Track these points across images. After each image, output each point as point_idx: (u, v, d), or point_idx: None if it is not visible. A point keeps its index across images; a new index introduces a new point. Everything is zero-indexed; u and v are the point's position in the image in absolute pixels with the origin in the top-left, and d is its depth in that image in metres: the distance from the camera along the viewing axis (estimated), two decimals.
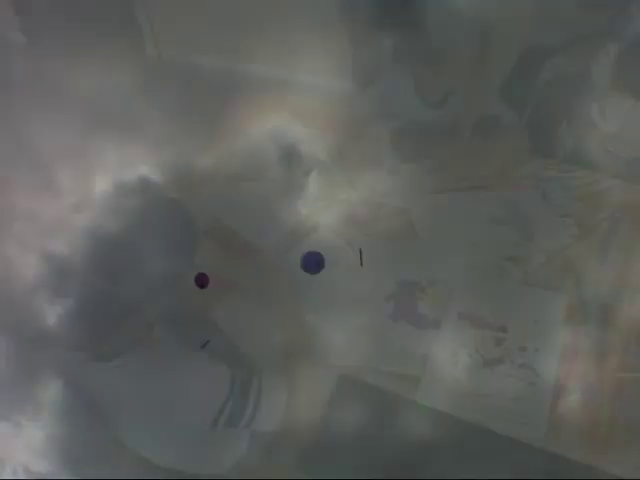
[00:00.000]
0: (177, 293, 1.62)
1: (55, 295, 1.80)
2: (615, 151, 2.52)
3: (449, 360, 1.73)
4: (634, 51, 2.38)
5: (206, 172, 2.25)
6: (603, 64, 2.65)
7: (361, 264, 1.85)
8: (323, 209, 2.18)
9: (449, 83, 2.39)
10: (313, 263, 1.83)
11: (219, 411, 1.43)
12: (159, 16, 2.17)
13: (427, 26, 2.25)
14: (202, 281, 1.78)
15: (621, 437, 1.66)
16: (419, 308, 1.95)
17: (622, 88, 2.53)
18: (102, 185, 1.96)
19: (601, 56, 2.54)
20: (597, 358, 1.89)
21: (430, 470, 2.28)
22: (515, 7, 2.01)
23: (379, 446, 2.32)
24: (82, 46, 2.05)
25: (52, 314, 1.81)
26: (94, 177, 1.97)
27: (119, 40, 2.19)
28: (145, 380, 1.57)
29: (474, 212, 2.13)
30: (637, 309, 2.00)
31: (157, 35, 2.27)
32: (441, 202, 2.16)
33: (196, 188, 2.19)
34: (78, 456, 1.86)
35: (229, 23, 3.59)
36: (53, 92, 2.03)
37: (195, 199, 2.17)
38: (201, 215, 2.13)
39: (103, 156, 2.01)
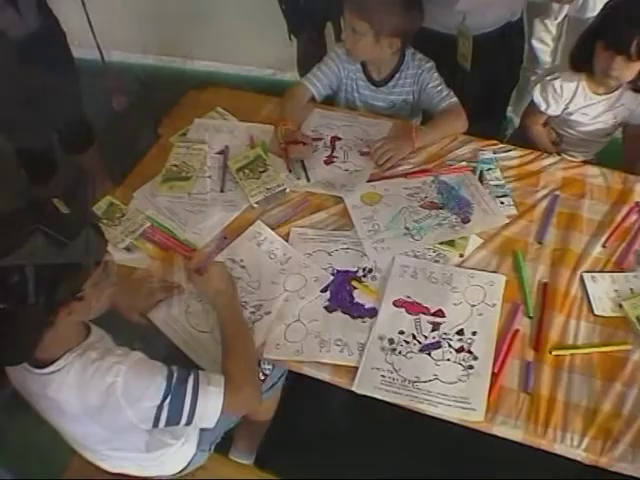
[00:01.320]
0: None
1: None
2: (556, 129, 2.52)
3: (386, 347, 1.68)
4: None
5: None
6: None
7: None
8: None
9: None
10: None
11: (158, 409, 1.40)
12: None
13: None
14: None
15: (559, 416, 1.63)
16: (355, 297, 1.90)
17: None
18: None
19: None
20: (535, 338, 1.86)
21: (371, 461, 2.27)
22: None
23: (321, 437, 2.27)
24: None
25: None
26: None
27: None
28: None
29: (410, 198, 2.11)
30: (575, 287, 1.97)
31: None
32: (377, 189, 2.14)
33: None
34: None
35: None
36: None
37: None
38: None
39: None
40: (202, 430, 1.79)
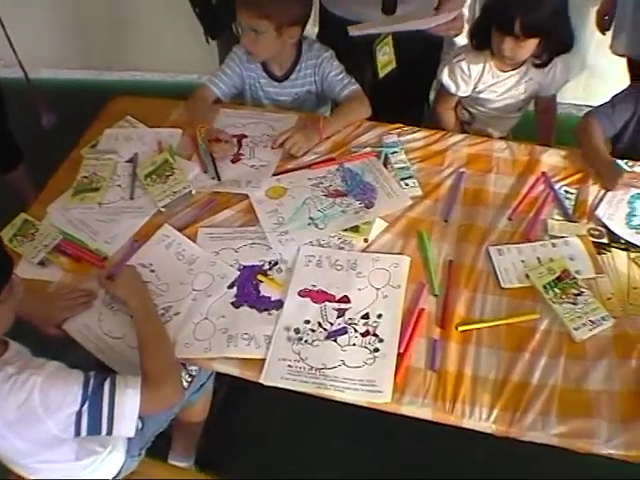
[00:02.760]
0: None
1: None
2: (467, 108, 2.52)
3: (292, 338, 1.68)
4: None
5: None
6: None
7: None
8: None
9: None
10: None
11: (77, 416, 1.39)
12: None
13: None
14: None
15: (467, 391, 1.62)
16: (261, 291, 1.90)
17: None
18: None
19: None
20: (441, 315, 1.85)
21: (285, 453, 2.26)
22: None
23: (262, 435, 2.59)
24: None
25: None
26: None
27: None
28: None
29: (314, 188, 2.11)
30: (481, 262, 1.97)
31: None
32: (281, 183, 2.13)
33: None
34: None
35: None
36: None
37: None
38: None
39: None
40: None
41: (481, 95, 2.57)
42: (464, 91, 2.55)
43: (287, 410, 2.49)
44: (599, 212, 2.23)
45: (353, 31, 2.32)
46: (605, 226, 2.14)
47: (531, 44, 2.34)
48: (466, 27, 2.54)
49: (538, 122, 2.86)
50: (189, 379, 2.04)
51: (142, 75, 3.92)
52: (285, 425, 2.64)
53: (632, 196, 2.28)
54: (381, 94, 2.70)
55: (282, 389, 1.77)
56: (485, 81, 2.51)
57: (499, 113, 2.66)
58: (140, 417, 1.85)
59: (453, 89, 2.53)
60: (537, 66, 2.45)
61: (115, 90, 2.70)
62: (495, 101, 2.59)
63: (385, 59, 2.40)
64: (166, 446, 2.36)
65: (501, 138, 2.63)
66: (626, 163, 2.33)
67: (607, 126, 2.41)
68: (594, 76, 3.44)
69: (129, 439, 1.90)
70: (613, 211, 2.24)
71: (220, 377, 1.82)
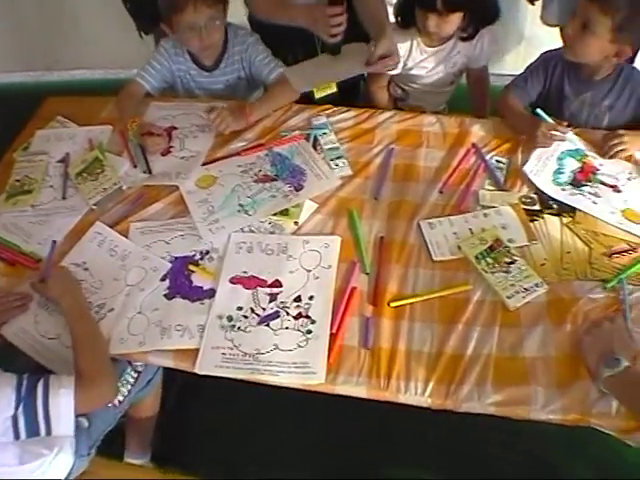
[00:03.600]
0: None
1: None
2: (400, 86, 2.51)
3: (225, 325, 1.66)
4: None
5: None
6: None
7: None
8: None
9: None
10: None
11: (14, 419, 1.38)
12: None
13: None
14: None
15: (402, 367, 1.62)
16: (193, 281, 1.89)
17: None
18: None
19: None
20: (373, 293, 1.84)
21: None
22: None
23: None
24: None
25: None
26: None
27: None
28: None
29: (244, 175, 2.10)
30: (413, 237, 1.96)
31: None
32: (211, 172, 2.12)
33: None
34: None
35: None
36: None
37: None
38: None
39: None
40: (77, 436, 1.75)
41: (412, 72, 2.57)
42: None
43: (242, 401, 2.49)
44: (527, 168, 2.26)
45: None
46: (537, 192, 2.11)
47: (455, 18, 2.34)
48: None
49: (471, 94, 2.87)
50: (135, 375, 2.03)
51: (82, 74, 3.84)
52: (240, 417, 2.68)
53: (562, 152, 2.27)
54: None
55: (236, 380, 1.77)
56: (414, 58, 2.51)
57: (431, 88, 2.66)
58: (86, 416, 1.85)
59: None
60: (464, 39, 2.45)
61: (55, 91, 2.67)
62: (426, 77, 2.59)
63: None
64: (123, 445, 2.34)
65: (436, 112, 2.59)
66: (545, 112, 2.29)
67: (523, 97, 2.43)
68: (532, 45, 3.44)
69: (77, 439, 1.87)
70: (541, 167, 2.25)
71: (173, 371, 1.80)
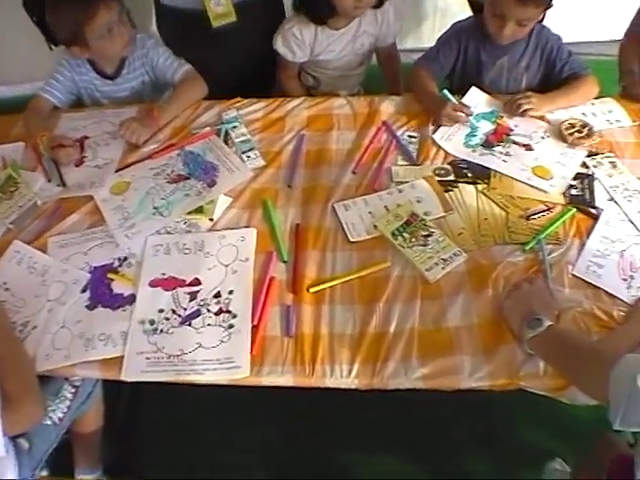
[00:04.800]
0: None
1: None
2: (311, 73, 2.50)
3: (148, 329, 1.66)
4: None
5: None
6: None
7: None
8: None
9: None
10: None
11: None
12: None
13: None
14: None
15: (326, 351, 1.62)
16: (113, 289, 1.88)
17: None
18: None
19: None
20: (292, 280, 1.84)
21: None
22: None
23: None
24: None
25: None
26: None
27: None
28: None
29: (157, 177, 2.08)
30: (328, 220, 1.96)
31: None
32: (124, 178, 2.11)
33: None
34: None
35: None
36: None
37: None
38: None
39: None
40: (19, 458, 1.74)
41: (320, 57, 2.56)
42: (301, 57, 2.55)
43: (190, 401, 2.48)
44: (437, 135, 2.31)
45: None
46: (450, 163, 2.12)
47: None
48: None
49: (383, 73, 2.87)
50: (73, 390, 2.02)
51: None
52: (191, 421, 2.72)
53: (477, 115, 2.28)
54: (231, 74, 2.68)
55: (183, 385, 1.77)
56: (320, 42, 2.51)
57: (342, 72, 2.66)
58: (25, 437, 1.91)
59: (290, 56, 2.52)
60: (376, 7, 2.42)
61: None
62: (335, 60, 2.59)
63: (220, 9, 2.40)
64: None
65: (351, 96, 2.58)
66: (453, 95, 2.30)
67: (436, 70, 2.44)
68: (446, 17, 3.46)
69: (19, 462, 1.86)
70: (453, 132, 2.29)
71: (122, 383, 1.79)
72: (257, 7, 2.61)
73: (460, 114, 2.19)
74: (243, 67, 2.62)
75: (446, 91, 2.03)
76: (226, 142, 2.04)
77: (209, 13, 2.56)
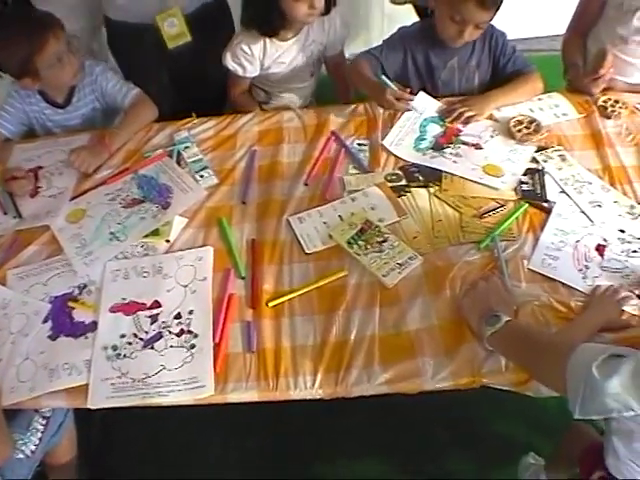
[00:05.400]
0: None
1: None
2: (261, 87, 2.52)
3: (111, 355, 1.67)
4: None
5: None
6: None
7: None
8: None
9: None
10: None
11: None
12: None
13: None
14: None
15: (288, 364, 1.65)
16: (74, 318, 1.88)
17: None
18: None
19: None
20: (251, 296, 1.86)
21: None
22: None
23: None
24: None
25: None
26: None
27: None
28: None
29: (112, 202, 2.09)
30: (283, 234, 1.98)
31: None
32: (80, 205, 2.11)
33: None
34: None
35: None
36: None
37: None
38: None
39: None
40: None
41: (271, 70, 2.57)
42: (252, 71, 2.56)
43: (164, 424, 2.59)
44: (386, 141, 2.33)
45: None
46: (401, 168, 2.14)
47: None
48: None
49: (334, 81, 2.88)
50: (43, 422, 2.01)
51: None
52: (166, 439, 2.73)
53: (425, 120, 2.32)
54: (182, 91, 2.70)
55: (157, 409, 1.78)
56: (270, 55, 2.51)
57: (293, 84, 2.68)
58: None
59: (240, 72, 2.42)
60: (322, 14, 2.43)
61: None
62: (286, 72, 2.60)
63: (174, 31, 2.41)
64: None
65: (305, 107, 2.60)
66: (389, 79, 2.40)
67: (375, 65, 2.45)
68: (393, 21, 3.47)
69: None
70: (403, 136, 2.31)
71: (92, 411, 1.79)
72: (208, 24, 2.62)
73: (400, 103, 2.20)
74: (195, 84, 2.61)
75: (384, 77, 2.02)
76: (179, 163, 2.04)
77: (163, 35, 2.58)
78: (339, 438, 2.55)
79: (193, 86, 2.64)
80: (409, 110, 2.10)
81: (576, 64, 2.51)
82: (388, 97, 1.99)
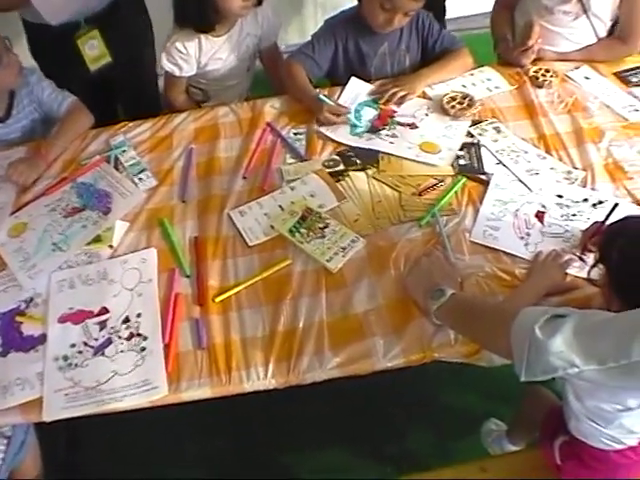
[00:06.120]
0: None
1: None
2: (197, 86, 2.52)
3: (63, 366, 1.68)
4: None
5: None
6: None
7: None
8: None
9: None
10: None
11: None
12: None
13: None
14: None
15: (239, 357, 1.66)
16: (23, 332, 1.87)
17: None
18: None
19: None
20: (198, 293, 1.87)
21: None
22: None
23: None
24: None
25: None
26: None
27: None
28: None
29: (52, 213, 2.08)
30: (225, 229, 2.01)
31: None
32: (21, 219, 2.10)
33: None
34: None
35: None
36: None
37: None
38: None
39: None
40: None
41: (208, 68, 2.57)
42: (188, 70, 2.55)
43: (131, 426, 2.44)
44: (323, 127, 2.36)
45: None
46: (338, 153, 2.16)
47: None
48: None
49: (268, 75, 2.88)
50: (5, 441, 2.01)
51: None
52: (135, 442, 2.71)
53: (359, 104, 2.35)
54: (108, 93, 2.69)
55: (119, 415, 1.77)
56: (206, 52, 2.51)
57: (231, 80, 2.69)
58: None
59: (177, 72, 2.42)
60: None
61: None
62: (223, 68, 2.60)
63: (95, 53, 2.44)
64: None
65: (246, 100, 2.60)
66: (326, 96, 2.36)
67: (310, 65, 2.47)
68: (327, 11, 3.50)
69: None
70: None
71: (55, 423, 1.79)
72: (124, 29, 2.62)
73: (336, 117, 2.22)
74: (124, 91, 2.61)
75: (322, 95, 2.05)
76: (117, 168, 2.04)
77: (85, 57, 2.57)
78: (302, 429, 2.57)
79: (122, 93, 2.61)
80: (346, 124, 2.05)
81: (505, 37, 2.55)
82: (325, 114, 1.98)
